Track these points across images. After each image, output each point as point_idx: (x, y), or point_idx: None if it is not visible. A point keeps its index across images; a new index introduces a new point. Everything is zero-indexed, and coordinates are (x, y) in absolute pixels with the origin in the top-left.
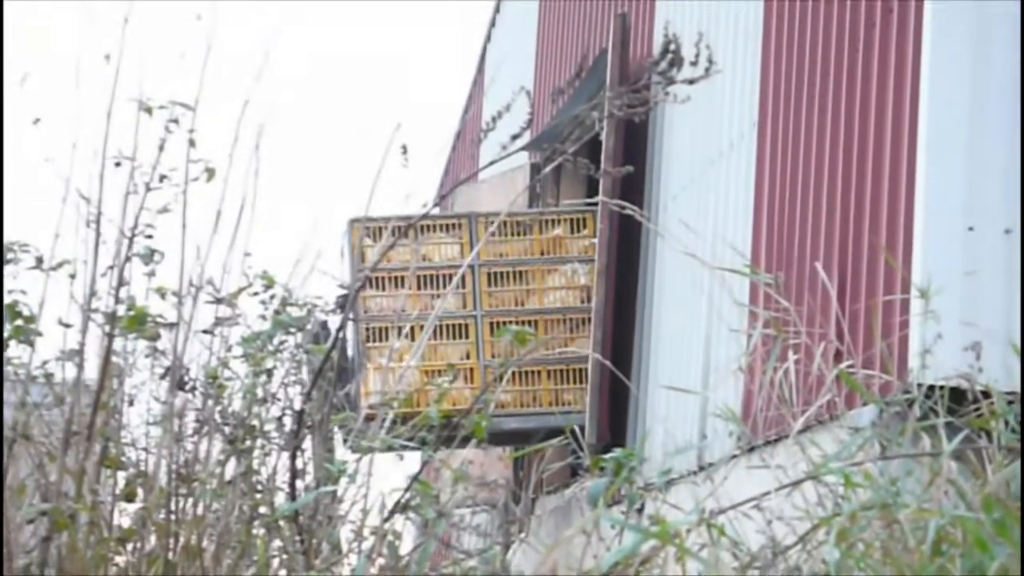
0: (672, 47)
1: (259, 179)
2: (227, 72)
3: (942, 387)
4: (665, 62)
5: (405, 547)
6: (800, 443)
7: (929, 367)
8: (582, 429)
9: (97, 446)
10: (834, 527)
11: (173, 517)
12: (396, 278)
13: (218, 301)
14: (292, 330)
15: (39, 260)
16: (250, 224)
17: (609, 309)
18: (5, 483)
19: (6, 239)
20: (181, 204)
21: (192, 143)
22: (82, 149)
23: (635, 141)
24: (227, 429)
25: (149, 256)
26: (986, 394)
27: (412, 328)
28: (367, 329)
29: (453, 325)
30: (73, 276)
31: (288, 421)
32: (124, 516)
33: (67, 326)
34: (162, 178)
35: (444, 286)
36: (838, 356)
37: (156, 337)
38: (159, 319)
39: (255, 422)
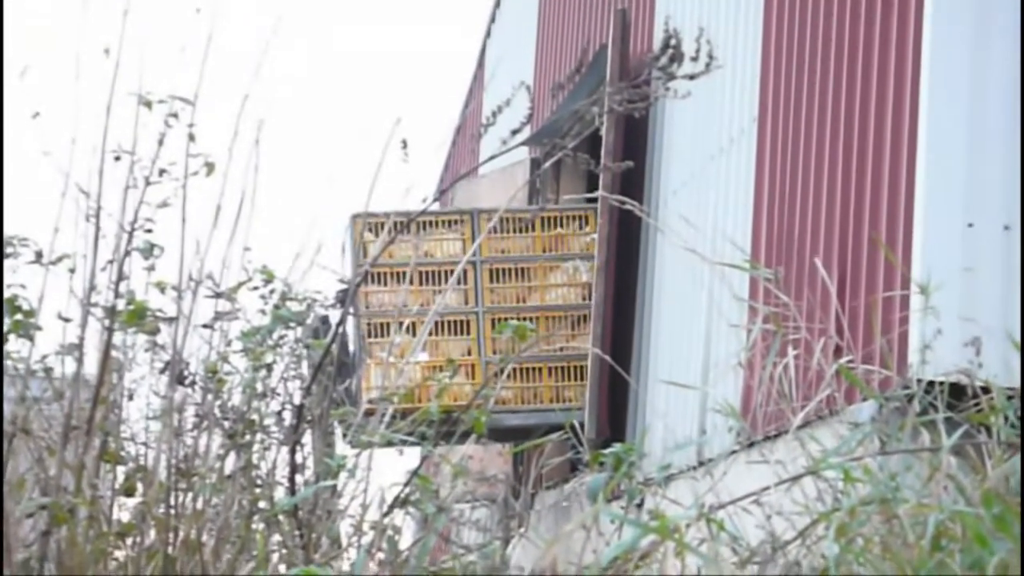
0: (672, 42)
1: (259, 174)
2: (227, 67)
3: (942, 383)
4: (665, 57)
5: (405, 542)
6: (800, 438)
7: (929, 363)
8: (582, 425)
9: (96, 440)
10: (834, 522)
11: (172, 512)
12: (398, 273)
13: (218, 296)
14: (292, 325)
15: (39, 254)
16: (250, 219)
17: (609, 304)
18: (5, 477)
19: (6, 233)
20: (181, 199)
21: (192, 137)
22: (81, 143)
23: (635, 136)
24: (227, 424)
25: (149, 250)
26: (985, 390)
27: (413, 323)
28: (368, 324)
29: (455, 321)
30: (72, 270)
31: (288, 416)
32: (123, 511)
33: (66, 320)
34: (162, 172)
35: (446, 282)
36: (838, 351)
37: (156, 331)
38: (159, 313)
39: (255, 417)
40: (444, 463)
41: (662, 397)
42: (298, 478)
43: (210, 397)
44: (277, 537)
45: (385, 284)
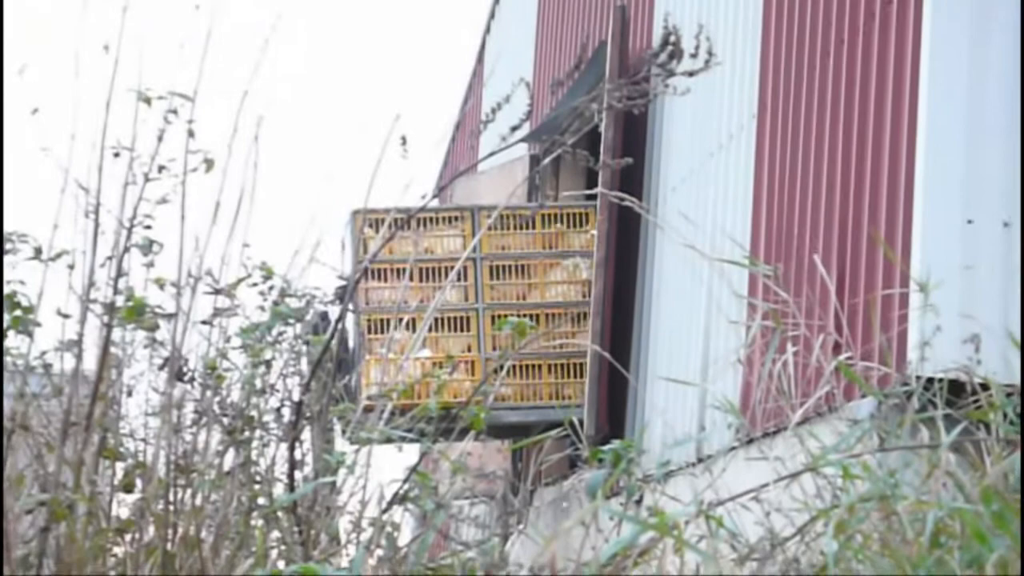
0: (672, 39)
1: (258, 170)
2: (227, 63)
3: (941, 379)
4: (665, 54)
5: (403, 538)
6: (799, 435)
7: (928, 359)
8: (581, 421)
9: (95, 437)
10: (832, 519)
11: (171, 508)
12: (398, 270)
13: (217, 292)
14: (291, 321)
15: (38, 250)
16: (249, 215)
17: (608, 300)
18: (4, 473)
19: (5, 229)
20: (180, 195)
21: (191, 134)
22: (81, 139)
23: (634, 133)
24: (226, 420)
25: (148, 247)
26: (985, 386)
27: (413, 320)
28: (368, 320)
29: (455, 318)
30: (72, 266)
31: (287, 412)
32: (122, 507)
33: (66, 316)
34: (161, 169)
35: (446, 278)
36: (837, 348)
37: (155, 328)
38: (158, 310)
39: (254, 413)
40: (443, 459)
41: (661, 393)
42: (297, 474)
43: (209, 393)
44: (276, 533)
45: (385, 280)
